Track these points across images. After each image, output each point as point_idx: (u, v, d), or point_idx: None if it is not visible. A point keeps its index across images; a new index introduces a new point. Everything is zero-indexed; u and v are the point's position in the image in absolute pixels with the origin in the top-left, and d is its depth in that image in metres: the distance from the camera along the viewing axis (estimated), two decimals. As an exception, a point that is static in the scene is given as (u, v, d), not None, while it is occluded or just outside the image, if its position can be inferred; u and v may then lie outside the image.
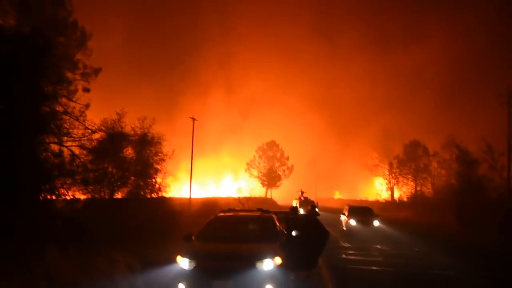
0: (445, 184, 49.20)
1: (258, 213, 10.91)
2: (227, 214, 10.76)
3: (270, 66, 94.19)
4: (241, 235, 9.55)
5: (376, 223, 25.53)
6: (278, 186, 71.63)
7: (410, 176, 59.52)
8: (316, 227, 10.64)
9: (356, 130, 79.00)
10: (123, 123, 20.44)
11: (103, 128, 19.47)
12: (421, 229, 29.83)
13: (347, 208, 27.23)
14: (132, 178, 21.06)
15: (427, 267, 14.28)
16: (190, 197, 40.62)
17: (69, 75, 18.97)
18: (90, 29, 19.24)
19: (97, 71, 19.60)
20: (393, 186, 62.88)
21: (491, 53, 72.66)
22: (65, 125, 18.11)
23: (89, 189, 18.80)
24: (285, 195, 64.37)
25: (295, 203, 45.95)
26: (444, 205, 34.43)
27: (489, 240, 22.58)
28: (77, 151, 19.01)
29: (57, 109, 18.10)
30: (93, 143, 19.26)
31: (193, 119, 41.69)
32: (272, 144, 72.64)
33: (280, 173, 71.90)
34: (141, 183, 21.32)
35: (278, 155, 72.62)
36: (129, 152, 21.09)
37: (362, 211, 26.81)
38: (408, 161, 59.81)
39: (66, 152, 18.69)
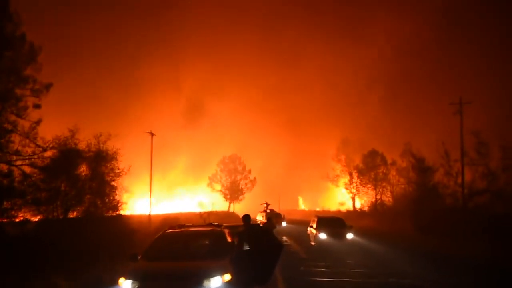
0: (403, 192, 50.27)
1: (208, 228, 10.48)
2: (176, 230, 10.22)
3: (226, 78, 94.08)
4: (189, 252, 9.07)
5: (349, 235, 21.94)
6: (241, 200, 71.37)
7: (370, 185, 60.53)
8: (269, 240, 10.35)
9: (315, 140, 79.56)
10: (77, 140, 19.89)
11: (55, 145, 18.81)
12: (388, 238, 27.96)
13: (315, 219, 23.63)
14: (88, 196, 20.45)
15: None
16: (150, 214, 39.70)
17: (18, 91, 18.21)
18: (40, 43, 18.59)
19: (48, 86, 18.83)
20: (354, 196, 63.81)
21: (444, 61, 75.39)
22: (13, 143, 17.42)
23: (41, 210, 18.12)
24: (248, 209, 64.01)
25: (260, 217, 45.42)
26: (403, 212, 35.15)
27: (447, 245, 22.85)
28: (28, 170, 18.33)
29: (5, 126, 17.39)
30: (46, 161, 18.57)
31: (151, 134, 40.90)
32: (234, 158, 72.32)
33: (242, 186, 71.68)
34: (97, 201, 20.73)
35: (240, 168, 72.39)
36: (83, 169, 20.49)
37: (333, 223, 23.17)
38: (367, 171, 60.85)
39: (16, 171, 17.97)
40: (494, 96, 46.55)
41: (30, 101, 18.29)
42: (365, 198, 61.10)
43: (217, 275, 7.85)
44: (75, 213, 19.77)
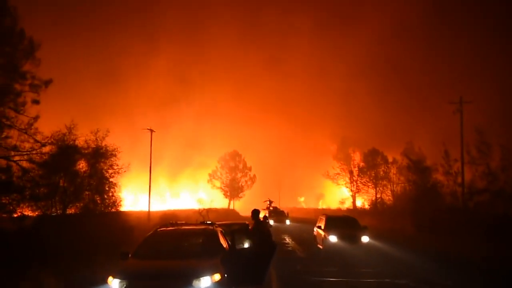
0: (403, 190, 50.20)
1: (201, 227, 10.37)
2: (169, 228, 10.13)
3: (226, 76, 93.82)
4: (180, 251, 8.96)
5: (365, 238, 18.17)
6: (241, 197, 71.36)
7: (370, 184, 60.52)
8: (263, 239, 10.24)
9: (315, 138, 79.38)
10: (76, 136, 19.86)
11: (54, 141, 18.75)
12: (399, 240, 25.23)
13: (324, 219, 20.31)
14: (86, 192, 20.44)
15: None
16: (149, 211, 39.73)
17: (17, 86, 18.14)
18: (39, 39, 18.50)
19: (47, 82, 18.73)
20: (355, 194, 63.78)
21: (446, 59, 75.17)
22: (12, 138, 17.37)
23: (39, 205, 18.10)
24: (248, 206, 64.02)
25: (263, 214, 44.92)
26: (403, 211, 35.11)
27: (451, 244, 22.49)
28: (26, 165, 18.29)
29: (3, 121, 17.34)
30: (44, 157, 18.52)
31: (151, 131, 40.86)
32: (235, 154, 72.27)
33: (243, 184, 71.63)
34: (96, 198, 20.72)
35: (241, 165, 72.34)
36: (82, 165, 20.46)
37: (345, 223, 19.74)
38: (368, 169, 60.84)
39: (14, 167, 17.93)
40: (495, 94, 46.37)
41: (29, 96, 18.24)
42: (365, 197, 61.06)
43: (207, 275, 7.77)
44: (73, 209, 19.76)
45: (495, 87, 50.70)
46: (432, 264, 16.33)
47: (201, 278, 7.70)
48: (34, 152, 18.30)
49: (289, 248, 21.99)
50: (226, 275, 8.16)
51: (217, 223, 11.99)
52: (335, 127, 75.05)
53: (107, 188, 21.07)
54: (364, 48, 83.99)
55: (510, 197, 26.03)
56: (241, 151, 72.64)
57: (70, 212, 19.44)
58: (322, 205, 77.48)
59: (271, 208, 47.61)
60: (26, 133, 17.82)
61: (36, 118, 17.86)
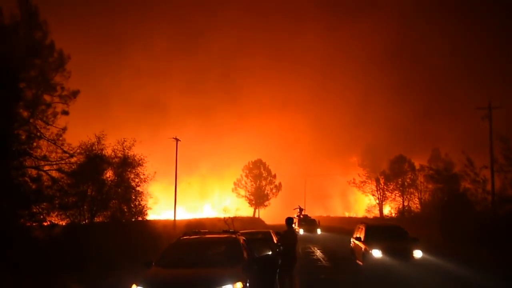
0: (431, 198, 49.31)
1: (223, 236, 10.38)
2: (191, 237, 10.21)
3: (257, 83, 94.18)
4: (202, 260, 9.07)
5: (417, 253, 14.65)
6: (266, 206, 71.21)
7: (397, 192, 59.72)
8: (287, 248, 10.37)
9: (342, 145, 78.67)
10: (103, 146, 20.28)
11: (82, 151, 19.20)
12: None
13: (363, 228, 16.96)
14: (113, 201, 20.79)
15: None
16: (174, 219, 40.10)
17: (47, 97, 18.67)
18: (68, 50, 19.03)
19: (75, 93, 19.25)
20: (381, 202, 62.99)
21: (473, 66, 73.70)
22: (41, 149, 17.82)
23: (68, 214, 18.49)
24: (273, 214, 63.88)
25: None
26: (431, 219, 34.42)
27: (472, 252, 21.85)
28: (55, 175, 18.73)
29: (34, 132, 17.82)
30: (73, 167, 18.95)
31: (176, 140, 41.38)
32: (259, 163, 72.35)
33: (267, 192, 71.51)
34: (123, 207, 21.05)
35: (265, 173, 72.30)
36: (109, 174, 20.84)
37: (390, 234, 16.24)
38: (394, 177, 60.05)
39: (44, 176, 18.39)
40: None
41: (58, 107, 18.74)
42: (392, 205, 60.22)
43: (229, 283, 7.80)
44: (101, 218, 20.12)
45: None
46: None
47: (223, 287, 7.75)
48: (63, 162, 18.75)
49: (319, 263, 19.10)
50: (248, 284, 8.17)
51: (240, 231, 12.03)
52: (360, 133, 74.12)
53: (133, 197, 21.39)
54: (388, 49, 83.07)
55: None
56: (265, 159, 72.59)
57: (98, 220, 19.81)
58: (349, 213, 76.62)
59: (301, 216, 45.19)
60: (55, 143, 18.27)
61: (64, 129, 18.32)
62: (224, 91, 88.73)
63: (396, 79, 76.61)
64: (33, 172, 17.90)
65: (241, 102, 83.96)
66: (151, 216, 23.47)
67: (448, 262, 17.35)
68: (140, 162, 21.74)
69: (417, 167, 57.02)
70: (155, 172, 22.88)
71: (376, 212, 62.88)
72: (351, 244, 18.07)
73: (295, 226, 39.85)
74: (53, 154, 18.26)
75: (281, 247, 11.40)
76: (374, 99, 76.94)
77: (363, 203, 68.88)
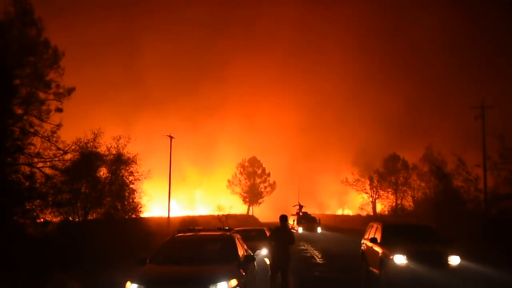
0: (424, 196, 49.60)
1: (218, 233, 10.36)
2: (186, 234, 10.19)
3: (250, 82, 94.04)
4: (197, 257, 9.04)
5: (454, 260, 11.49)
6: (259, 203, 71.32)
7: (390, 190, 60.05)
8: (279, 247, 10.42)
9: (335, 144, 78.71)
10: (97, 143, 20.25)
11: (76, 148, 19.17)
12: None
13: (379, 227, 13.46)
14: (107, 198, 20.79)
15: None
16: (168, 216, 40.13)
17: (41, 95, 18.62)
18: (63, 47, 18.96)
19: (70, 90, 19.21)
20: (375, 200, 63.27)
21: (466, 65, 74.06)
22: (35, 146, 17.78)
23: (62, 211, 18.46)
24: (267, 212, 64.00)
25: (292, 221, 40.17)
26: (424, 217, 34.64)
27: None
28: (49, 172, 18.69)
29: (28, 129, 17.77)
30: (66, 164, 18.91)
31: (171, 137, 41.38)
32: (253, 160, 72.39)
33: (262, 189, 71.61)
34: (117, 204, 21.05)
35: (259, 171, 72.36)
36: (103, 172, 20.83)
37: (415, 234, 12.80)
38: (388, 175, 60.38)
39: (38, 173, 18.34)
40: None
41: (53, 104, 18.70)
42: (385, 203, 60.55)
43: (224, 280, 7.80)
44: (94, 215, 20.12)
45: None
46: None
47: (218, 284, 7.75)
48: (56, 159, 18.71)
49: (316, 273, 15.29)
50: (243, 281, 8.21)
51: (235, 229, 12.05)
52: (354, 131, 74.35)
53: (127, 194, 21.40)
54: (381, 48, 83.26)
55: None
56: (259, 157, 72.64)
57: (92, 218, 19.81)
58: (343, 211, 76.91)
59: (300, 214, 43.26)
60: (49, 140, 18.23)
61: (59, 125, 18.28)
62: (218, 88, 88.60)
63: (388, 76, 76.87)
64: (27, 169, 17.88)
65: (236, 99, 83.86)
66: (145, 213, 23.44)
67: (484, 267, 13.34)
68: (134, 159, 21.76)
69: (410, 165, 57.43)
70: (149, 170, 22.93)
71: (369, 210, 63.19)
72: (362, 247, 14.66)
73: (294, 224, 39.22)
74: (47, 151, 18.22)
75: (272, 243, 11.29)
76: (369, 97, 77.20)
77: (356, 201, 69.20)
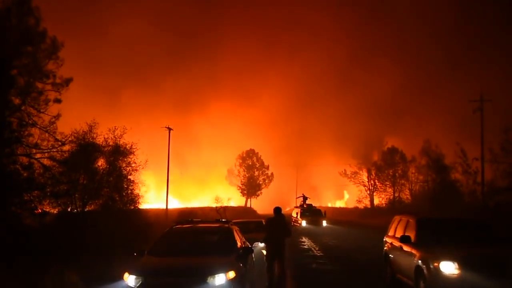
0: (421, 189, 49.79)
1: (216, 225, 10.35)
2: (184, 226, 10.19)
3: (250, 72, 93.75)
4: (195, 249, 9.06)
5: None
6: (257, 196, 71.53)
7: (388, 183, 60.21)
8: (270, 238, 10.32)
9: (332, 136, 78.62)
10: (95, 134, 20.23)
11: (74, 139, 19.13)
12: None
13: (412, 222, 10.33)
14: (105, 189, 20.79)
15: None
16: (166, 208, 40.22)
17: (39, 85, 18.50)
18: (62, 37, 18.81)
19: (68, 81, 19.06)
20: (372, 193, 63.42)
21: (465, 58, 73.84)
22: (33, 136, 17.72)
23: (60, 202, 18.46)
24: (265, 204, 64.10)
25: (295, 213, 39.05)
26: (421, 210, 34.82)
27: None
28: (47, 163, 18.66)
29: (26, 120, 17.71)
30: (64, 155, 18.87)
31: (169, 129, 41.34)
32: (251, 153, 72.58)
33: (260, 182, 71.81)
34: (115, 195, 21.06)
35: (258, 164, 72.53)
36: (101, 163, 20.82)
37: (467, 234, 9.65)
38: (386, 168, 60.51)
39: (36, 164, 18.31)
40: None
41: (51, 95, 18.58)
42: (383, 196, 60.75)
43: (222, 272, 7.83)
44: (92, 206, 20.13)
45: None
46: None
47: (216, 275, 7.77)
48: (54, 150, 18.66)
49: None
50: (241, 273, 8.24)
51: (233, 221, 12.06)
52: (353, 124, 74.27)
53: (125, 186, 21.39)
54: (382, 39, 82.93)
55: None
56: (257, 150, 72.75)
57: (90, 209, 19.82)
58: (340, 204, 77.25)
59: (304, 206, 41.17)
60: (47, 131, 18.17)
61: (57, 116, 18.16)
62: (216, 81, 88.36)
63: (386, 72, 76.68)
64: (25, 160, 17.85)
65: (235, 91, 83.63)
66: (143, 205, 23.45)
67: None
68: (132, 150, 21.73)
69: (409, 158, 57.59)
70: (147, 160, 22.92)
71: (367, 203, 63.40)
72: (385, 247, 11.87)
73: (297, 217, 37.82)
74: (45, 142, 18.12)
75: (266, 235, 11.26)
76: (368, 91, 76.97)
77: (354, 193, 69.32)
